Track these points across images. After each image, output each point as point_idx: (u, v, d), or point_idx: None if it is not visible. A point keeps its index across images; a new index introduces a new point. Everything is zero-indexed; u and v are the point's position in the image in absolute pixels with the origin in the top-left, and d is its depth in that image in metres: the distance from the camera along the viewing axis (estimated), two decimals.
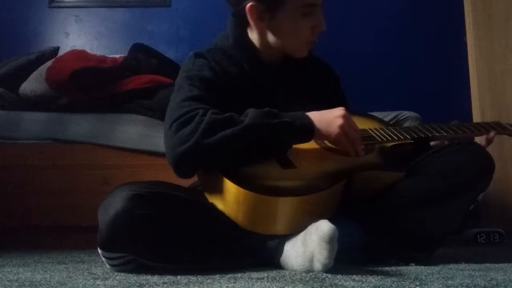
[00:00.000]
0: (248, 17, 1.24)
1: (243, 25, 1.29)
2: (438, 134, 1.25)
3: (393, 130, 1.25)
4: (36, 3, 2.90)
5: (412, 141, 1.24)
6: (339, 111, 1.15)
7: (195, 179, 1.22)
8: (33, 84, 2.16)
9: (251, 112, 1.11)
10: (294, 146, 1.15)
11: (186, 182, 1.33)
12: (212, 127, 1.07)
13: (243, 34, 1.30)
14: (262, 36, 1.28)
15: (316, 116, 1.14)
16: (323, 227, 0.95)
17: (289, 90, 1.30)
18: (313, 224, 0.99)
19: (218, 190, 1.08)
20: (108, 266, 1.09)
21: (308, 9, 1.22)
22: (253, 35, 1.29)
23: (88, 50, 2.42)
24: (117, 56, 2.36)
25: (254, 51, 1.29)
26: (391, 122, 1.96)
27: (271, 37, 1.27)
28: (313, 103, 1.22)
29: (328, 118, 1.14)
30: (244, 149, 1.09)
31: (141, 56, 2.25)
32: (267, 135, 1.10)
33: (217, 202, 1.10)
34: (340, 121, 1.13)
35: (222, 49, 1.28)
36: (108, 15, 2.93)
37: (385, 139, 1.22)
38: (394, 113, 2.06)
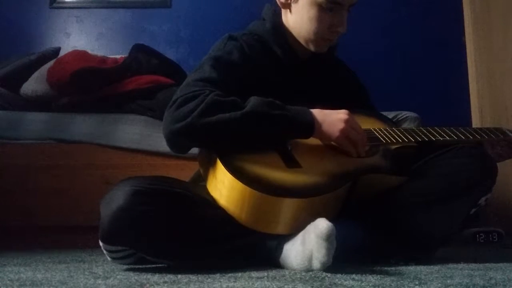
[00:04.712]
0: None
1: (279, 9, 1.32)
2: (441, 139, 1.25)
3: (398, 132, 1.25)
4: (37, 3, 2.91)
5: (416, 144, 1.25)
6: (342, 114, 1.15)
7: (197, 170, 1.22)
8: (34, 85, 2.16)
9: (253, 100, 1.11)
10: (300, 144, 1.16)
11: (187, 176, 1.34)
12: (211, 108, 1.07)
13: (280, 18, 1.32)
14: (287, 16, 1.31)
15: (320, 116, 1.15)
16: (320, 225, 0.95)
17: (315, 84, 1.33)
18: (311, 223, 1.00)
19: (223, 186, 1.08)
20: (109, 258, 1.10)
21: (331, 5, 1.23)
22: (286, 18, 1.32)
23: (89, 51, 2.43)
24: (118, 56, 2.36)
25: (289, 37, 1.31)
26: None
27: (291, 20, 1.30)
28: (335, 101, 1.23)
29: (331, 120, 1.15)
30: (239, 136, 1.10)
31: (142, 57, 2.25)
32: (265, 125, 1.10)
33: (220, 198, 1.10)
34: (341, 125, 1.14)
35: (257, 34, 1.30)
36: (109, 16, 2.94)
37: (389, 141, 1.22)
38: (393, 113, 2.06)
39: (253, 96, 1.13)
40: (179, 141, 1.12)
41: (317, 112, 1.15)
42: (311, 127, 1.13)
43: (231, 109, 1.08)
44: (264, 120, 1.10)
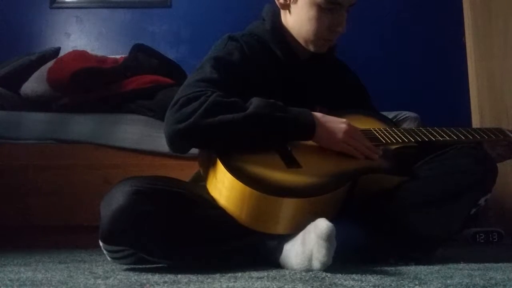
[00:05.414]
0: None
1: (278, 9, 1.32)
2: (441, 139, 1.25)
3: (398, 132, 1.25)
4: (38, 3, 2.90)
5: (416, 144, 1.25)
6: (342, 124, 1.16)
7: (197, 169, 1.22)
8: (34, 85, 2.16)
9: (255, 101, 1.11)
10: (300, 144, 1.16)
11: (187, 176, 1.34)
12: (214, 109, 1.08)
13: (279, 19, 1.32)
14: (286, 17, 1.31)
15: (321, 119, 1.15)
16: (321, 226, 0.96)
17: (314, 85, 1.33)
18: (311, 223, 1.00)
19: (223, 186, 1.09)
20: (109, 258, 1.10)
21: (331, 5, 1.23)
22: (285, 18, 1.32)
23: (89, 51, 2.43)
24: (118, 56, 2.36)
25: (288, 38, 1.31)
26: None
27: (291, 21, 1.30)
28: (335, 101, 1.23)
29: (330, 128, 1.16)
30: (241, 136, 1.10)
31: (142, 57, 2.25)
32: (267, 126, 1.11)
33: (220, 198, 1.10)
34: (341, 135, 1.15)
35: (257, 34, 1.31)
36: (109, 16, 2.94)
37: (389, 141, 1.23)
38: (393, 113, 2.06)
39: (254, 96, 1.14)
40: (180, 141, 1.12)
41: (319, 116, 1.16)
42: (312, 128, 1.13)
43: (233, 110, 1.09)
44: (266, 121, 1.10)
